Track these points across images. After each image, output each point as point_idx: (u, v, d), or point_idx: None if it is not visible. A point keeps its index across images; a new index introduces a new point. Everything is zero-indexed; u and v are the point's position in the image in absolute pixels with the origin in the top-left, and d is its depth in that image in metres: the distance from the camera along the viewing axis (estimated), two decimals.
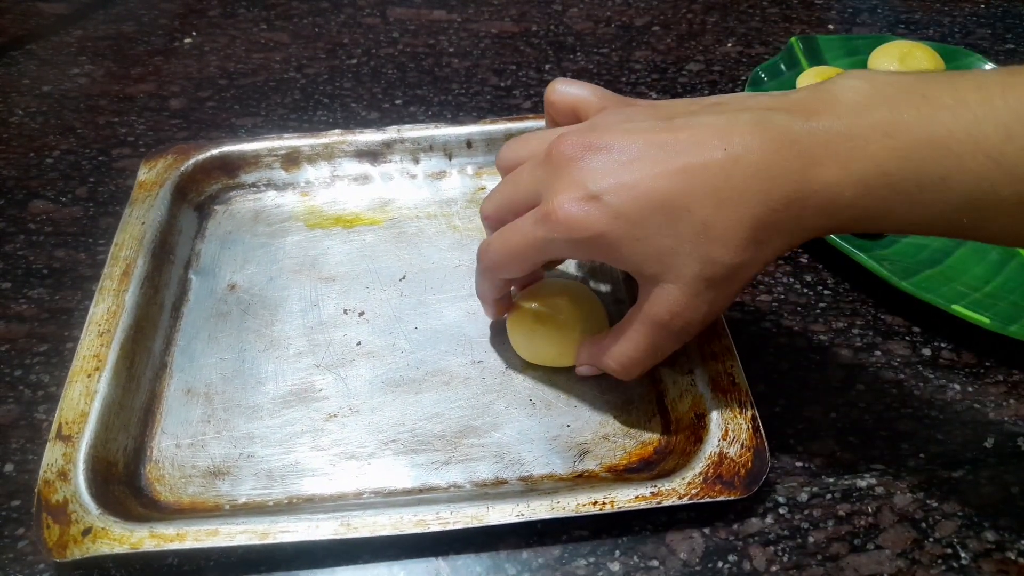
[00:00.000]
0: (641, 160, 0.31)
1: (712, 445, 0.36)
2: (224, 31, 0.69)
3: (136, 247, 0.45)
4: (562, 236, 0.32)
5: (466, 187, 0.52)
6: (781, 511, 0.37)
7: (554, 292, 0.42)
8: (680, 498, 0.34)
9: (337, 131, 0.53)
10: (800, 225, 0.31)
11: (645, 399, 0.41)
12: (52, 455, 0.36)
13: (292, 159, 0.52)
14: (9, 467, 0.39)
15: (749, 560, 0.35)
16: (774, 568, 0.35)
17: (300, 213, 0.51)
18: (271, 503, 0.37)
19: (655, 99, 0.61)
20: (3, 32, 0.68)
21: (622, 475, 0.38)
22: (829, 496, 0.37)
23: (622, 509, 0.34)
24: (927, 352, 0.44)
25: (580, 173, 0.32)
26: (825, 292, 0.47)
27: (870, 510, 0.37)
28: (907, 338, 0.44)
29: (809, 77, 0.57)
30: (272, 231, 0.50)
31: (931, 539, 0.36)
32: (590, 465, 0.38)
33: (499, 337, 0.44)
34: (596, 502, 0.34)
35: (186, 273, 0.47)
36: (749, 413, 0.37)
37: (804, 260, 0.49)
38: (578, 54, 0.66)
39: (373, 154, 0.52)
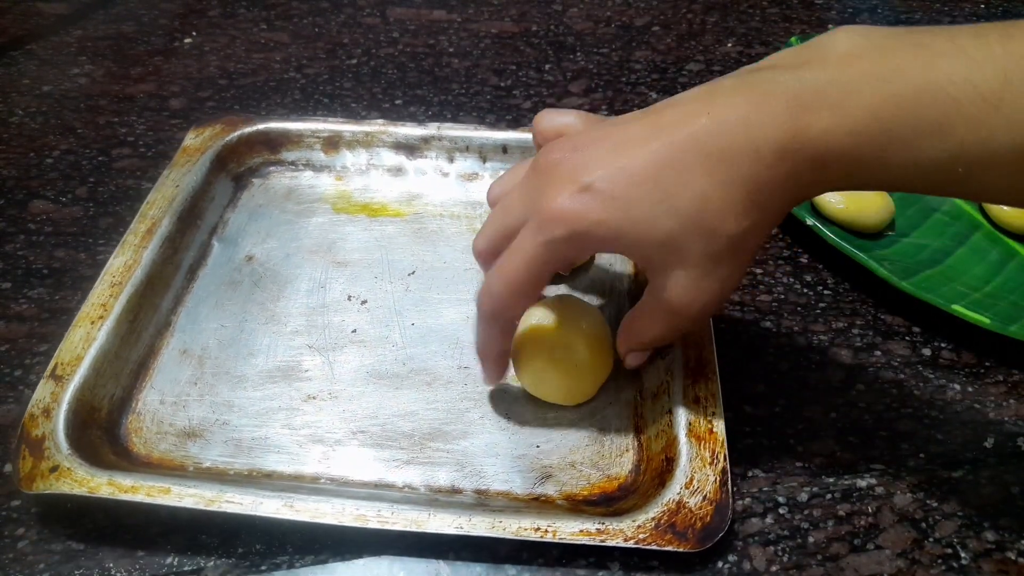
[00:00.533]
0: (628, 144, 0.31)
1: (673, 492, 0.35)
2: (224, 31, 0.69)
3: (165, 208, 0.47)
4: (562, 234, 0.31)
5: None
6: (781, 511, 0.37)
7: (561, 323, 0.39)
8: (626, 541, 0.33)
9: (380, 120, 0.53)
10: (796, 181, 0.30)
11: (622, 432, 0.39)
12: (42, 392, 0.38)
13: (333, 143, 0.53)
14: (9, 467, 0.39)
15: (749, 560, 0.35)
16: (774, 568, 0.35)
17: (330, 196, 0.52)
18: (232, 472, 0.38)
19: (655, 99, 0.61)
20: (3, 32, 0.68)
21: (578, 506, 0.36)
22: (829, 496, 0.37)
23: (563, 541, 0.33)
24: (927, 352, 0.44)
25: (569, 171, 0.31)
26: (825, 292, 0.47)
27: (870, 510, 0.37)
28: (907, 338, 0.44)
29: None
30: (300, 210, 0.51)
31: (931, 539, 0.36)
32: (549, 490, 0.37)
33: None
34: (539, 528, 0.33)
35: (210, 239, 0.49)
36: (720, 466, 0.35)
37: (804, 260, 0.49)
38: (578, 54, 0.66)
39: (411, 147, 0.53)
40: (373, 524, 0.34)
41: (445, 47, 0.67)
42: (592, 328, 0.39)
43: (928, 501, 0.37)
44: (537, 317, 0.39)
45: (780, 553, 0.35)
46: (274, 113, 0.60)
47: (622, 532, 0.33)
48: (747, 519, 0.36)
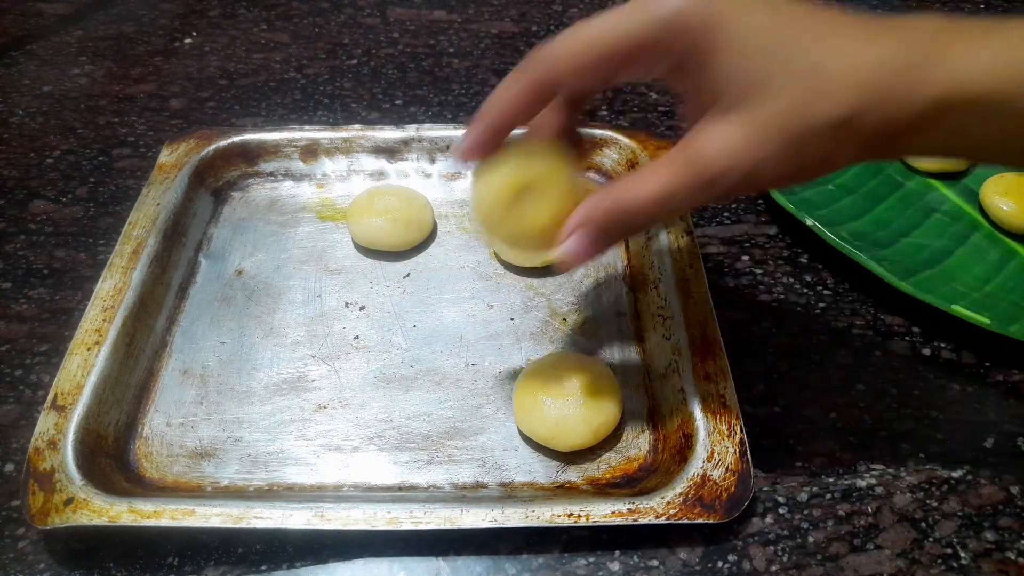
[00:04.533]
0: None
1: (696, 466, 0.36)
2: (224, 31, 0.69)
3: (149, 227, 0.46)
4: (668, 9, 0.27)
5: None
6: (781, 511, 0.37)
7: (571, 374, 0.39)
8: (658, 517, 0.34)
9: (357, 126, 0.53)
10: (910, 97, 0.26)
11: (636, 414, 0.40)
12: (45, 424, 0.37)
13: (311, 151, 0.53)
14: (9, 467, 0.39)
15: (749, 560, 0.35)
16: (774, 568, 0.35)
17: (314, 204, 0.51)
18: (252, 489, 0.37)
19: (655, 98, 0.61)
20: (3, 32, 0.68)
21: (603, 489, 0.37)
22: (829, 496, 0.37)
23: (597, 524, 0.34)
24: (927, 352, 0.44)
25: None
26: (825, 292, 0.47)
27: (870, 510, 0.37)
28: (907, 338, 0.44)
29: None
30: (284, 220, 0.51)
31: (931, 539, 0.36)
32: (572, 477, 0.38)
33: (495, 341, 0.44)
34: (572, 514, 0.34)
35: (196, 256, 0.48)
36: (738, 437, 0.37)
37: (804, 260, 0.49)
38: None
39: (390, 151, 0.53)
40: (407, 526, 0.34)
41: (445, 47, 0.67)
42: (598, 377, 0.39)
43: (928, 501, 0.37)
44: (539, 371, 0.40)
45: (780, 553, 0.35)
46: (256, 121, 0.60)
47: (653, 510, 0.34)
48: (747, 519, 0.36)
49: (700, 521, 0.34)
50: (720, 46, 0.27)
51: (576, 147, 0.35)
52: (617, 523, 0.34)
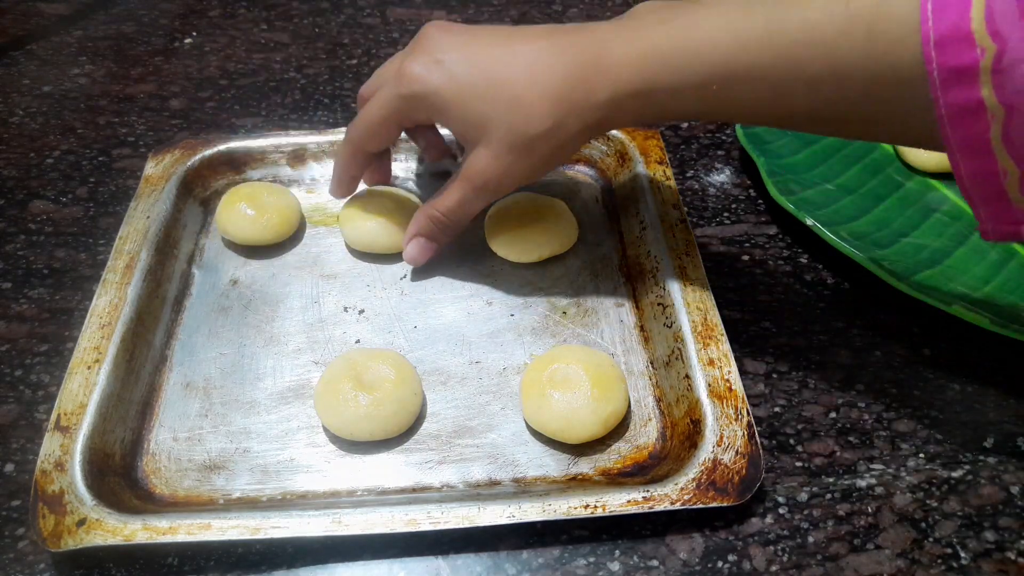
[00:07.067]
0: (483, 40, 0.39)
1: (706, 451, 0.36)
2: (224, 31, 0.69)
3: (140, 241, 0.46)
4: (406, 91, 0.40)
5: None
6: (781, 511, 0.37)
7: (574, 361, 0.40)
8: (672, 503, 0.34)
9: (343, 129, 0.52)
10: (590, 100, 0.37)
11: (642, 403, 0.41)
12: (50, 446, 0.37)
13: (298, 156, 0.53)
14: (9, 467, 0.39)
15: (749, 560, 0.35)
16: (774, 568, 0.35)
17: (305, 210, 0.51)
18: (264, 499, 0.37)
19: None
20: (3, 32, 0.68)
21: (615, 479, 0.38)
22: (829, 496, 0.37)
23: (614, 513, 0.34)
24: (927, 352, 0.44)
25: (432, 44, 0.40)
26: (825, 292, 0.47)
27: (870, 510, 0.37)
28: (907, 338, 0.44)
29: None
30: None
31: (931, 539, 0.36)
32: (584, 468, 0.38)
33: (497, 338, 0.44)
34: (588, 505, 0.34)
35: (189, 267, 0.48)
36: (745, 420, 0.37)
37: (804, 260, 0.49)
38: None
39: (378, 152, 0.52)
40: (425, 526, 0.34)
41: None
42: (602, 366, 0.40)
43: (928, 501, 0.37)
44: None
45: (780, 553, 0.35)
46: (256, 121, 0.60)
47: (667, 496, 0.35)
48: (747, 519, 0.37)
49: (715, 505, 0.34)
50: (448, 106, 0.39)
51: (387, 178, 0.51)
52: (634, 511, 0.34)
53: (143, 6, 0.72)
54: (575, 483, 0.37)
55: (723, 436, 0.37)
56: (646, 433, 0.40)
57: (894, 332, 0.45)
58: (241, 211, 0.47)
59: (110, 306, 0.42)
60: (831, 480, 0.38)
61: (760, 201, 0.53)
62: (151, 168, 0.50)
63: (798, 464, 0.39)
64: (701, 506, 0.34)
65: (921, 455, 0.39)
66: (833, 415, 0.41)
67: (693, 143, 0.57)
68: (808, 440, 0.40)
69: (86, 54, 0.66)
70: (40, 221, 0.51)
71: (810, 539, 0.36)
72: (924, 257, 0.47)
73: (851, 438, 0.40)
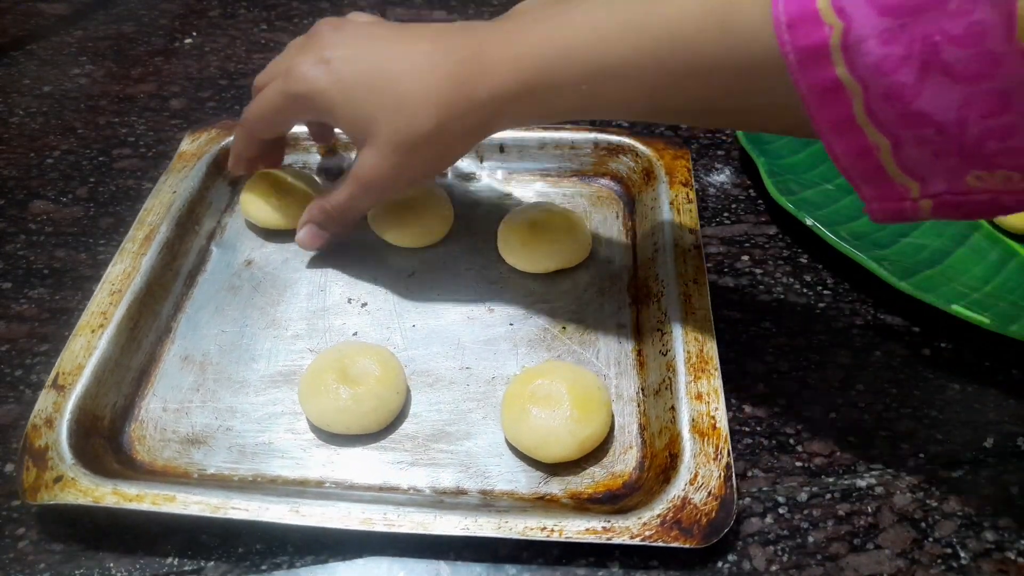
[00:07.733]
0: (373, 39, 0.39)
1: (678, 488, 0.35)
2: (224, 31, 0.69)
3: (163, 214, 0.47)
4: (293, 90, 0.40)
5: (493, 191, 0.53)
6: (781, 511, 0.37)
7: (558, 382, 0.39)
8: (632, 538, 0.33)
9: None
10: (472, 100, 0.36)
11: (626, 430, 0.40)
12: (44, 402, 0.38)
13: (330, 145, 0.54)
14: (9, 467, 0.39)
15: (749, 560, 0.35)
16: (774, 568, 0.35)
17: None
18: (236, 479, 0.38)
19: None
20: (3, 32, 0.68)
21: (583, 504, 0.37)
22: (829, 496, 0.37)
23: (570, 540, 0.33)
24: (927, 352, 0.44)
25: (322, 42, 0.39)
26: (825, 292, 0.47)
27: (870, 510, 0.37)
28: (907, 338, 0.44)
29: None
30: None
31: (931, 539, 0.36)
32: (554, 489, 0.37)
33: (492, 346, 0.44)
34: (544, 528, 0.33)
35: (208, 244, 0.49)
36: (724, 461, 0.35)
37: (804, 260, 0.49)
38: None
39: None
40: (379, 527, 0.34)
41: None
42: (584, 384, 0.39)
43: (928, 501, 0.37)
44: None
45: (780, 553, 0.35)
46: None
47: (628, 530, 0.33)
48: (747, 519, 0.37)
49: (676, 545, 0.33)
50: (334, 106, 0.39)
51: (279, 163, 0.51)
52: (590, 540, 0.33)
53: (143, 6, 0.72)
54: (540, 503, 0.37)
55: (698, 475, 0.35)
56: (624, 461, 0.38)
57: (894, 332, 0.45)
58: (264, 194, 0.48)
59: (123, 274, 0.43)
60: (831, 480, 0.38)
61: (760, 201, 0.53)
62: (186, 145, 0.52)
63: (798, 464, 0.39)
64: (662, 544, 0.33)
65: (921, 455, 0.39)
66: (833, 415, 0.41)
67: (693, 143, 0.57)
68: (808, 440, 0.40)
69: (86, 54, 0.66)
70: (40, 221, 0.51)
71: (810, 539, 0.36)
72: (924, 257, 0.47)
73: (851, 438, 0.40)
